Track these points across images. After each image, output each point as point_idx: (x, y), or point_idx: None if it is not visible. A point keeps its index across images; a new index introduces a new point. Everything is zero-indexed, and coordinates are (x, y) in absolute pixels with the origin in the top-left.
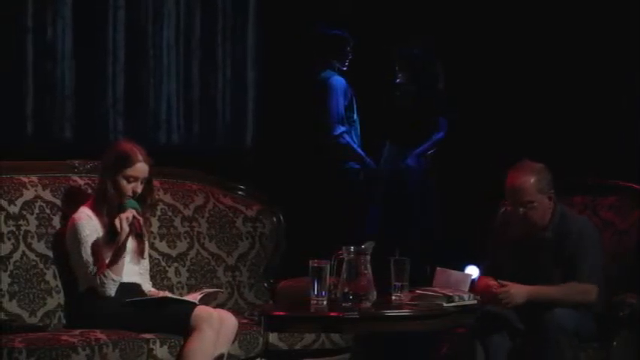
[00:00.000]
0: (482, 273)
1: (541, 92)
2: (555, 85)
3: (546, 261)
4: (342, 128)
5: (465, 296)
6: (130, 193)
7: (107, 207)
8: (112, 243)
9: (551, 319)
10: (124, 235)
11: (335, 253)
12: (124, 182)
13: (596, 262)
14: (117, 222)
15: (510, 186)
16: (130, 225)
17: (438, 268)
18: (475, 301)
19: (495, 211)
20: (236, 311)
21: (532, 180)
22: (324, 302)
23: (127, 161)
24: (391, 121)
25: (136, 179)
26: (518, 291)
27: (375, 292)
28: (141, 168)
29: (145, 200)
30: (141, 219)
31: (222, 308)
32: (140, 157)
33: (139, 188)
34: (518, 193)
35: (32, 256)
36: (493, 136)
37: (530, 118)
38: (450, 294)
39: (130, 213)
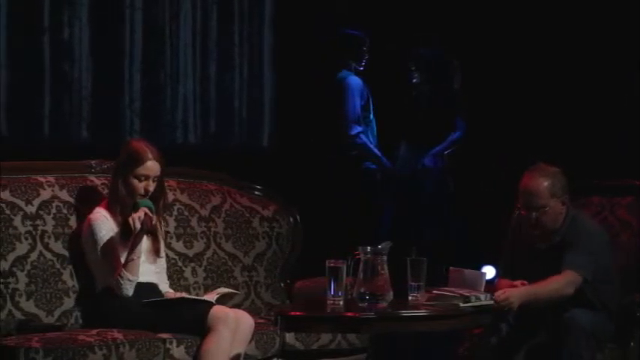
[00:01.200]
0: (500, 275)
1: (558, 93)
2: (572, 86)
3: (556, 265)
4: (359, 128)
5: (482, 296)
6: (141, 192)
7: (120, 207)
8: (127, 243)
9: (569, 319)
10: (136, 234)
11: (352, 254)
12: (135, 181)
13: (591, 258)
14: (130, 221)
15: (523, 189)
16: (142, 223)
17: (452, 268)
18: (492, 301)
19: (512, 212)
20: (252, 311)
21: (545, 184)
22: (341, 302)
23: (138, 160)
24: (407, 121)
25: (147, 178)
26: (513, 295)
27: (391, 293)
28: (152, 166)
29: (157, 200)
30: (153, 217)
31: (239, 308)
32: (151, 156)
33: (151, 187)
34: (531, 196)
35: (49, 255)
36: (511, 136)
37: (547, 118)
38: (467, 294)
39: (141, 212)
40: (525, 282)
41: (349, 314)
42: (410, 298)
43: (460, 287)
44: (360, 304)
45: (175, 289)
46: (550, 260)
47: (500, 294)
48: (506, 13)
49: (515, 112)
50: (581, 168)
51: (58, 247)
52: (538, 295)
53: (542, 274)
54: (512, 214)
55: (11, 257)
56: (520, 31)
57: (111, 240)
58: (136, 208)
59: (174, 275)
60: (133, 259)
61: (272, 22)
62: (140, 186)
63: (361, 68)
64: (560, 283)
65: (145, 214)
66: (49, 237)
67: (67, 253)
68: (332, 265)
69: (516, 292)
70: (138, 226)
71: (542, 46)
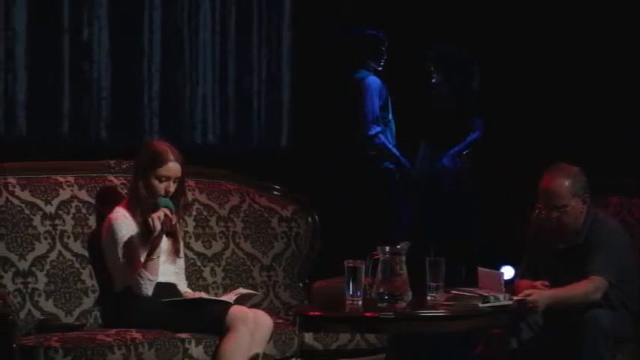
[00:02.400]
0: (520, 275)
1: (578, 92)
2: (590, 86)
3: (578, 266)
4: (378, 128)
5: (501, 296)
6: (162, 192)
7: (140, 207)
8: (146, 243)
9: (589, 319)
10: (156, 234)
11: (370, 254)
12: (155, 182)
13: (613, 260)
14: (150, 221)
15: (544, 189)
16: (162, 224)
17: (480, 269)
18: (510, 302)
19: (531, 212)
20: (271, 311)
21: (566, 183)
22: (360, 302)
23: (159, 160)
24: (426, 122)
25: (168, 178)
26: (541, 297)
27: (410, 293)
28: (173, 167)
29: (177, 200)
30: (173, 217)
31: (258, 308)
32: (172, 157)
33: (172, 187)
34: (552, 196)
35: (68, 255)
36: (530, 135)
37: (566, 117)
38: (486, 294)
39: (161, 212)
40: (546, 283)
41: (368, 314)
42: (428, 298)
43: (489, 287)
44: (379, 304)
45: (194, 289)
46: (572, 261)
47: (528, 295)
48: (523, 13)
49: (532, 111)
50: (600, 167)
51: (78, 246)
52: (563, 300)
53: (564, 275)
54: (531, 214)
55: (30, 257)
56: (537, 30)
57: (131, 240)
58: (155, 207)
59: (193, 275)
60: (152, 259)
61: (291, 23)
62: (161, 186)
63: (380, 68)
64: (587, 288)
65: (165, 215)
66: (69, 237)
67: (86, 253)
68: (351, 265)
69: (546, 295)
70: (158, 226)
71: (560, 46)
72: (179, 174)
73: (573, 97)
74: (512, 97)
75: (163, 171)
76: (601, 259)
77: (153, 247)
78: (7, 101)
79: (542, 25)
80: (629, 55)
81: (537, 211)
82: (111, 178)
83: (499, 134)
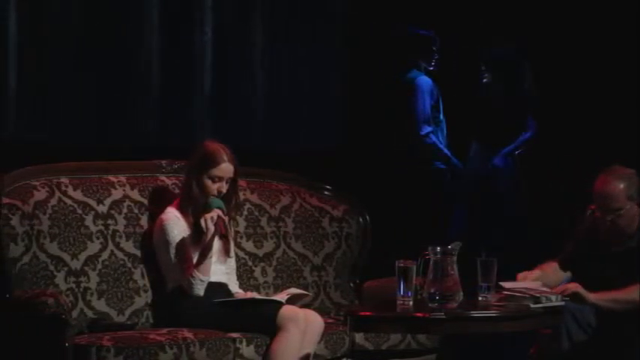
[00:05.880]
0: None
1: (629, 94)
2: None
3: (632, 269)
4: (429, 128)
5: (553, 297)
6: (214, 192)
7: (192, 206)
8: (198, 243)
9: (628, 317)
10: (209, 235)
11: (421, 254)
12: (209, 182)
13: None
14: (202, 222)
15: (599, 192)
16: (215, 225)
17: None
18: (563, 302)
19: (584, 213)
20: (322, 311)
21: (621, 186)
22: (410, 303)
23: (213, 161)
24: (478, 121)
25: (221, 179)
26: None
27: (461, 293)
28: (226, 168)
29: (229, 200)
30: (226, 219)
31: (309, 308)
32: (225, 157)
33: (224, 188)
34: (607, 199)
35: (120, 255)
36: (584, 136)
37: (621, 118)
38: (537, 295)
39: (214, 213)
40: (578, 285)
41: (419, 314)
42: (480, 298)
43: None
44: (430, 305)
45: (245, 289)
46: (626, 264)
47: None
48: (577, 12)
49: (586, 112)
50: None
51: (129, 246)
52: (603, 299)
53: (617, 279)
54: (584, 215)
55: (83, 256)
56: (590, 29)
57: (183, 240)
58: (208, 208)
59: (244, 275)
60: (204, 260)
61: (341, 22)
62: (214, 187)
63: (431, 68)
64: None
65: (218, 216)
66: (120, 236)
67: (138, 253)
68: (401, 265)
69: (592, 295)
70: (211, 227)
71: (615, 45)
72: (232, 175)
73: (629, 98)
74: (568, 97)
75: (217, 171)
76: None
77: (205, 247)
78: (57, 101)
79: (595, 24)
80: None
81: (590, 212)
82: (162, 178)
83: (554, 134)
